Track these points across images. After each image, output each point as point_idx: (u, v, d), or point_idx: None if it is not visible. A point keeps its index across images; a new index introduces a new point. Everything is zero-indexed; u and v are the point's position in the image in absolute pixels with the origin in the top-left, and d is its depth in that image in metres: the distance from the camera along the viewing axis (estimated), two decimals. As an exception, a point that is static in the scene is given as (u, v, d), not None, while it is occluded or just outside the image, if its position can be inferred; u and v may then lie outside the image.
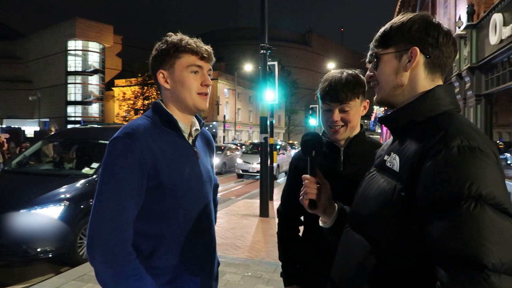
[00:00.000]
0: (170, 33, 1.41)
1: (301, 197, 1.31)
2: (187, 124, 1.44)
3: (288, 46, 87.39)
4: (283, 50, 74.00)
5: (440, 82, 1.06)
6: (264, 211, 7.95)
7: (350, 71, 1.56)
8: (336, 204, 1.33)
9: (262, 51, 8.14)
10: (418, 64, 1.03)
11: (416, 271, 0.89)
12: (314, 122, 22.14)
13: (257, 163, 14.91)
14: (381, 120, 1.13)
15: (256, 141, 22.23)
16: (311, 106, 22.03)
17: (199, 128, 1.49)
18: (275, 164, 12.34)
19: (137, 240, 1.26)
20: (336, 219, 1.31)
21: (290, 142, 39.85)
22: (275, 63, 9.02)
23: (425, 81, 1.04)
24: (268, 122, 8.56)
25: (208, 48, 1.41)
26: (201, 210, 1.40)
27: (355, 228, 1.09)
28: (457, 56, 11.80)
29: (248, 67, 43.29)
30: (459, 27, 12.27)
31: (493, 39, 9.63)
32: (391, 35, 1.06)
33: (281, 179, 16.21)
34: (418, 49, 1.02)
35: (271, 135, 9.12)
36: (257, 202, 8.80)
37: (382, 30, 1.10)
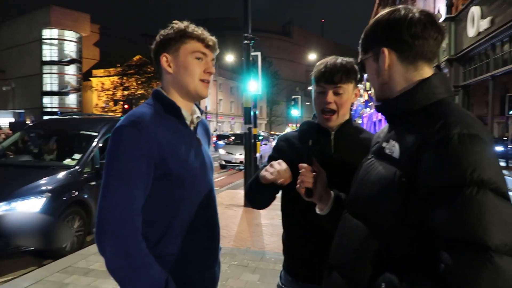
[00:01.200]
0: (176, 21, 1.41)
1: (297, 185, 1.33)
2: (188, 111, 1.43)
3: (269, 37, 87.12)
4: (264, 41, 73.77)
5: (427, 70, 1.08)
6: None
7: (345, 58, 1.60)
8: (332, 192, 1.36)
9: (246, 41, 8.10)
10: (392, 61, 1.08)
11: (415, 255, 0.91)
12: (296, 113, 22.26)
13: (240, 154, 14.92)
14: (379, 109, 1.16)
15: (238, 132, 22.20)
16: (293, 97, 22.14)
17: (200, 115, 1.49)
18: (258, 155, 12.36)
19: (144, 228, 1.26)
20: (332, 206, 1.34)
21: (272, 133, 39.97)
22: (259, 53, 8.98)
23: (408, 73, 1.08)
24: (252, 113, 8.56)
25: (214, 38, 1.42)
26: (206, 197, 1.41)
27: (354, 214, 1.11)
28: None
29: (229, 58, 42.98)
30: (438, 20, 12.47)
31: (471, 31, 9.86)
32: (365, 41, 1.15)
33: (264, 170, 16.25)
34: (386, 49, 1.08)
35: (255, 126, 9.12)
36: (241, 192, 8.85)
37: (362, 37, 1.17)
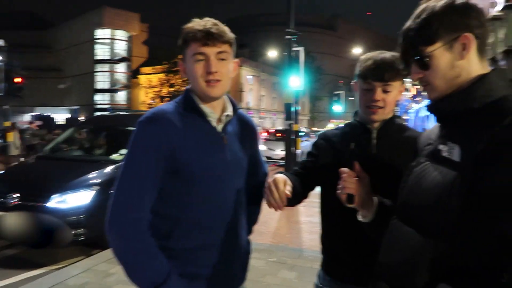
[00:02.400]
0: (193, 19, 1.40)
1: (338, 191, 1.29)
2: (213, 109, 1.42)
3: (313, 31, 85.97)
4: (308, 35, 72.74)
5: (487, 65, 1.01)
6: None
7: (392, 53, 1.52)
8: (375, 198, 1.30)
9: (288, 36, 8.06)
10: (472, 49, 0.98)
11: (476, 265, 0.85)
12: (339, 108, 21.86)
13: (281, 150, 14.89)
14: (431, 108, 1.07)
15: (280, 128, 22.12)
16: (335, 92, 21.75)
17: (231, 113, 1.46)
18: (299, 151, 12.26)
19: (155, 220, 1.31)
20: (376, 213, 1.28)
21: (314, 129, 39.51)
22: (301, 48, 8.89)
23: (478, 65, 1.00)
24: (293, 109, 8.51)
25: (214, 29, 1.32)
26: (225, 197, 1.39)
27: (406, 221, 1.05)
28: (493, 39, 11.33)
29: (272, 53, 42.88)
30: (493, 8, 11.72)
31: (531, 20, 9.17)
32: (433, 29, 1.00)
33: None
34: (469, 34, 0.97)
35: (296, 122, 9.06)
36: (281, 188, 8.80)
37: (416, 26, 1.02)
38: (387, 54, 1.50)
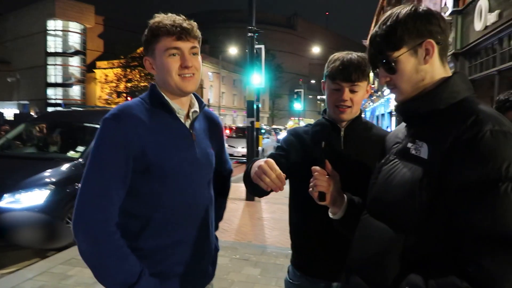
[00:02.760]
0: (155, 15, 1.37)
1: (310, 189, 1.31)
2: (182, 105, 1.41)
3: (273, 30, 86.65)
4: (268, 33, 73.17)
5: (448, 67, 1.09)
6: (250, 195, 8.01)
7: (358, 53, 1.57)
8: (345, 195, 1.34)
9: (250, 34, 8.06)
10: (435, 54, 1.05)
11: (442, 255, 0.92)
12: (299, 106, 22.23)
13: (242, 147, 14.93)
14: (399, 110, 1.13)
15: (240, 125, 22.16)
16: (296, 90, 22.08)
17: (198, 110, 1.46)
18: (260, 148, 12.34)
19: (125, 220, 1.28)
20: (346, 209, 1.32)
21: (274, 126, 39.90)
22: (262, 46, 8.94)
23: (440, 69, 1.07)
24: (255, 106, 8.55)
25: (187, 24, 1.33)
26: (195, 193, 1.39)
27: (377, 216, 1.10)
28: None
29: (232, 50, 42.76)
30: (444, 13, 12.35)
31: (478, 25, 9.75)
32: (398, 35, 1.05)
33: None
34: (432, 40, 1.03)
35: (257, 119, 9.11)
36: (242, 186, 8.77)
37: (382, 32, 1.08)
38: (354, 55, 1.55)
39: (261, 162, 1.27)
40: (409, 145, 1.06)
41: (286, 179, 1.62)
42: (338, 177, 1.34)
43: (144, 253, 1.29)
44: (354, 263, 1.15)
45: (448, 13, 11.74)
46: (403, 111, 1.12)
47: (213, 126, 1.56)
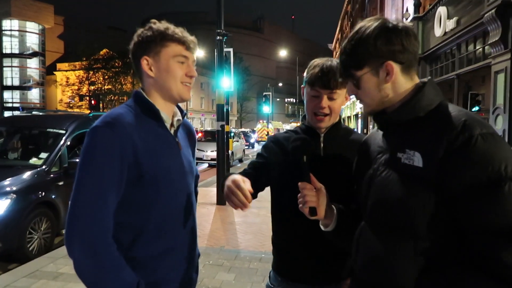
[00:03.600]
0: (153, 20, 1.38)
1: (300, 205, 1.29)
2: (169, 114, 1.41)
3: (240, 33, 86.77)
4: (235, 36, 73.15)
5: (416, 76, 1.13)
6: (221, 199, 7.93)
7: (337, 60, 1.58)
8: (333, 206, 1.34)
9: (218, 37, 8.02)
10: (396, 73, 1.08)
11: (455, 255, 0.96)
12: (267, 109, 22.35)
13: (211, 151, 14.82)
14: (379, 121, 1.16)
15: (209, 128, 21.99)
16: (264, 93, 22.19)
17: (181, 118, 1.47)
18: (230, 152, 12.30)
19: (117, 231, 1.24)
20: (337, 220, 1.32)
21: (243, 129, 39.94)
22: (231, 49, 8.92)
23: (407, 83, 1.11)
24: (225, 110, 8.50)
25: (194, 39, 1.40)
26: (182, 201, 1.39)
27: (379, 227, 1.11)
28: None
29: (199, 53, 42.42)
30: (406, 19, 12.81)
31: (438, 31, 10.19)
32: (360, 56, 1.10)
33: (238, 165, 16.27)
34: (391, 62, 1.06)
35: (227, 123, 9.07)
36: (213, 190, 8.78)
37: (348, 50, 1.12)
38: (334, 62, 1.55)
39: (229, 181, 1.32)
40: (399, 154, 1.07)
41: (262, 190, 1.64)
42: (325, 188, 1.33)
43: (137, 263, 1.27)
44: (362, 275, 1.17)
45: (409, 19, 12.20)
46: (383, 122, 1.15)
47: (190, 134, 1.58)
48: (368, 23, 1.09)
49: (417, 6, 11.94)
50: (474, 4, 8.28)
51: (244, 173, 1.65)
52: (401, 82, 1.10)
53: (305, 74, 1.61)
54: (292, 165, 1.45)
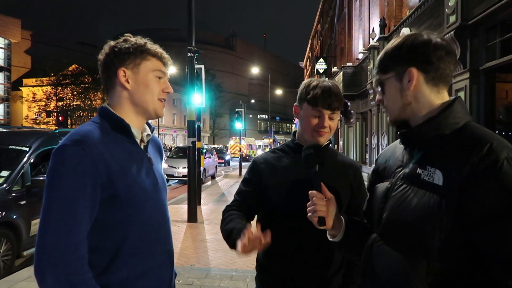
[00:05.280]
0: (128, 34, 1.36)
1: (309, 214, 1.28)
2: (139, 129, 1.37)
3: (213, 50, 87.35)
4: (207, 53, 73.61)
5: (446, 93, 1.14)
6: (192, 216, 7.83)
7: (330, 81, 1.63)
8: (342, 217, 1.33)
9: (190, 54, 8.04)
10: (419, 81, 1.10)
11: (467, 278, 0.97)
12: (239, 125, 22.39)
13: (183, 167, 14.65)
14: (404, 136, 1.15)
15: (181, 145, 21.77)
16: (236, 110, 22.24)
17: (150, 133, 1.43)
18: (202, 168, 12.20)
19: (89, 255, 1.16)
20: (345, 231, 1.31)
21: (215, 146, 39.78)
22: (202, 66, 8.95)
23: (432, 95, 1.11)
24: (196, 126, 8.47)
25: (169, 56, 1.42)
26: (158, 218, 1.34)
27: (393, 242, 1.10)
28: (371, 66, 12.86)
29: (171, 69, 42.23)
30: (372, 39, 13.29)
31: (402, 51, 10.58)
32: (386, 61, 1.15)
33: (208, 183, 16.12)
34: (414, 68, 1.09)
35: (198, 139, 9.02)
36: (184, 207, 8.65)
37: (380, 56, 1.18)
38: (329, 83, 1.60)
39: (240, 244, 1.36)
40: (419, 170, 1.07)
41: (255, 213, 1.70)
42: (334, 198, 1.32)
43: None
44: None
45: (376, 39, 12.65)
46: (409, 136, 1.14)
47: (158, 148, 1.54)
48: (407, 35, 1.15)
49: (382, 27, 12.41)
50: (435, 26, 8.69)
51: (236, 209, 1.69)
52: (425, 92, 1.11)
53: (300, 92, 1.64)
54: (287, 183, 1.55)
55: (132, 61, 1.31)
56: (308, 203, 1.29)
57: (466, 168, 0.95)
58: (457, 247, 0.97)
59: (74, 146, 1.15)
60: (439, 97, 1.12)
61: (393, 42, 1.16)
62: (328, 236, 1.35)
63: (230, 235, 1.52)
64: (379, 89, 1.20)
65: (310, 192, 1.30)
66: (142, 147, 1.37)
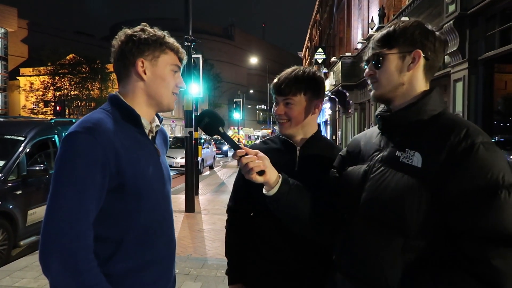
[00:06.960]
0: (145, 24, 1.35)
1: (246, 175, 1.26)
2: (149, 120, 1.35)
3: (211, 39, 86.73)
4: (205, 43, 73.11)
5: (429, 83, 1.19)
6: (189, 206, 7.85)
7: (308, 69, 1.56)
8: (280, 174, 1.31)
9: (186, 43, 7.96)
10: (419, 66, 1.14)
11: (443, 256, 1.00)
12: (238, 116, 22.38)
13: (181, 158, 14.64)
14: (383, 119, 1.20)
15: (179, 135, 21.75)
16: (235, 100, 22.21)
17: (159, 124, 1.42)
18: (199, 159, 12.20)
19: (94, 245, 1.14)
20: (280, 187, 1.29)
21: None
22: (199, 56, 8.90)
23: (422, 82, 1.17)
24: (193, 116, 8.44)
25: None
26: (163, 210, 1.34)
27: (371, 221, 1.13)
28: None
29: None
30: (372, 28, 13.20)
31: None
32: (395, 36, 1.16)
33: (206, 173, 16.13)
34: (421, 52, 1.12)
35: (196, 129, 8.99)
36: (182, 197, 8.66)
37: (385, 31, 1.18)
38: (296, 70, 1.54)
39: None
40: (398, 153, 1.12)
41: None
42: (260, 152, 1.29)
43: (112, 279, 1.17)
44: (348, 268, 1.19)
45: (375, 28, 12.56)
46: (387, 120, 1.19)
47: (164, 139, 1.53)
48: (412, 19, 1.18)
49: (381, 16, 12.32)
50: (434, 15, 8.62)
51: (236, 223, 1.73)
52: (419, 78, 1.15)
53: None
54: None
55: (151, 53, 1.29)
56: (240, 164, 1.26)
57: (444, 151, 1.01)
58: (434, 225, 1.01)
59: (86, 133, 1.13)
60: (425, 85, 1.17)
61: (403, 22, 1.17)
62: (264, 190, 1.32)
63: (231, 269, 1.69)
64: (374, 62, 1.20)
65: (237, 151, 1.26)
66: (150, 137, 1.36)
